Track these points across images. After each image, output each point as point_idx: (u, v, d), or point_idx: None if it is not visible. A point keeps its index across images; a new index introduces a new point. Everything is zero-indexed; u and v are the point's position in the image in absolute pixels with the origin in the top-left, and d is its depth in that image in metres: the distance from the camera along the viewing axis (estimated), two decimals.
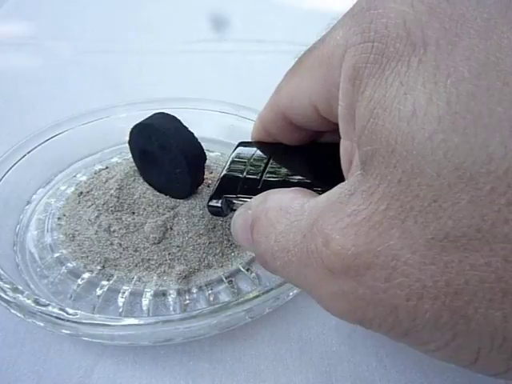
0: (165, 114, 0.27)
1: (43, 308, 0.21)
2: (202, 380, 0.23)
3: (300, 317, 0.25)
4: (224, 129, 0.34)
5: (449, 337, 0.12)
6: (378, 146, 0.13)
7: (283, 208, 0.17)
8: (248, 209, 0.19)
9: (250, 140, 0.24)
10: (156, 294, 0.25)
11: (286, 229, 0.16)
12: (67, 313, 0.20)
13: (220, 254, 0.27)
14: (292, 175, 0.21)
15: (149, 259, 0.26)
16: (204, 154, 0.27)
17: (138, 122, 0.27)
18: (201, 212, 0.27)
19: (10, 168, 0.30)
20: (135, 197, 0.28)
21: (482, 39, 0.12)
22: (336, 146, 0.17)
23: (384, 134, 0.12)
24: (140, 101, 0.35)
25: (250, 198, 0.19)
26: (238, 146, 0.25)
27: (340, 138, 0.16)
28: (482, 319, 0.12)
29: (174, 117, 0.27)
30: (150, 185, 0.29)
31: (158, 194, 0.28)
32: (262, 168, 0.22)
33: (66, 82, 0.48)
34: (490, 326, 0.12)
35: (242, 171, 0.23)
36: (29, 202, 0.30)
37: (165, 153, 0.26)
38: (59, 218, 0.29)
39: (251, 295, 0.21)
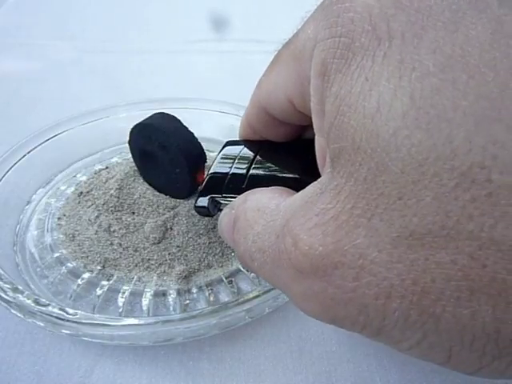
0: (165, 114, 0.27)
1: (43, 308, 0.21)
2: (202, 380, 0.23)
3: (300, 317, 0.25)
4: (224, 129, 0.34)
5: (419, 335, 0.12)
6: (345, 143, 0.12)
7: (261, 208, 0.16)
8: (232, 208, 0.19)
9: (237, 139, 0.24)
10: (156, 294, 0.25)
11: (263, 229, 0.16)
12: (67, 313, 0.20)
13: (220, 254, 0.27)
14: (279, 171, 0.21)
15: (149, 259, 0.26)
16: (204, 154, 0.27)
17: (138, 122, 0.27)
18: None
19: (10, 168, 0.30)
20: (135, 197, 0.28)
21: (449, 31, 0.11)
22: None
23: (350, 131, 0.12)
24: (140, 101, 0.35)
25: (235, 197, 0.19)
26: (225, 145, 0.24)
27: None
28: (450, 317, 0.11)
29: (173, 117, 0.27)
30: (149, 185, 0.29)
31: (157, 194, 0.28)
32: (247, 165, 0.22)
33: (66, 82, 0.48)
34: (459, 325, 0.11)
35: (228, 169, 0.22)
36: (29, 202, 0.30)
37: (165, 153, 0.26)
38: (59, 218, 0.29)
39: (251, 295, 0.21)
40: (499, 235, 0.10)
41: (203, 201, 0.22)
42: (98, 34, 0.58)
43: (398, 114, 0.11)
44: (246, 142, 0.23)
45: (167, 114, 0.27)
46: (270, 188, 0.18)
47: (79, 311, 0.21)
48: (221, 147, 0.24)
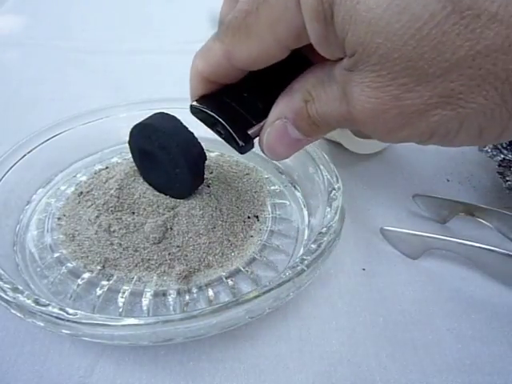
0: (165, 114, 0.27)
1: (43, 308, 0.21)
2: (202, 380, 0.23)
3: (300, 317, 0.25)
4: None
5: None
6: (364, 42, 0.16)
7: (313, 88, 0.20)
8: (281, 117, 0.21)
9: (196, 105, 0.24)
10: (156, 294, 0.25)
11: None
12: (67, 313, 0.20)
13: (220, 254, 0.27)
14: (260, 89, 0.23)
15: (149, 259, 0.26)
16: (204, 154, 0.27)
17: (138, 122, 0.27)
18: (201, 212, 0.27)
19: (10, 168, 0.30)
20: (135, 197, 0.28)
21: None
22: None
23: (363, 35, 0.16)
24: (140, 101, 0.35)
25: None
26: (194, 113, 0.24)
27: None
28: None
29: (173, 117, 0.27)
30: (149, 185, 0.29)
31: (157, 194, 0.28)
32: (238, 98, 0.23)
33: (66, 82, 0.48)
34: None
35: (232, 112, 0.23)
36: (29, 202, 0.30)
37: (165, 153, 0.26)
38: (59, 218, 0.29)
39: (251, 295, 0.21)
40: None
41: (245, 141, 0.22)
42: (97, 34, 0.58)
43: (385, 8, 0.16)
44: (206, 98, 0.23)
45: (167, 114, 0.27)
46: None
47: (79, 311, 0.21)
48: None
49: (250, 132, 0.22)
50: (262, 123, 0.22)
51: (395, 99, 0.17)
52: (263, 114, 0.22)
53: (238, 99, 0.23)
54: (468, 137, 0.18)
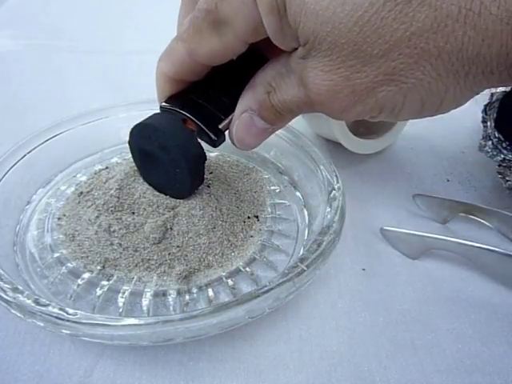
0: (165, 114, 0.27)
1: (43, 308, 0.21)
2: (202, 380, 0.23)
3: (300, 317, 0.25)
4: None
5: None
6: (316, 32, 0.18)
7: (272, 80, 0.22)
8: (247, 110, 0.23)
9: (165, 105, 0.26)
10: (156, 294, 0.25)
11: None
12: (67, 313, 0.20)
13: (220, 254, 0.27)
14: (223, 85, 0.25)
15: (149, 259, 0.26)
16: (204, 154, 0.27)
17: (137, 122, 0.27)
18: (201, 212, 0.27)
19: (10, 168, 0.30)
20: (135, 197, 0.28)
21: None
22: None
23: (312, 26, 0.18)
24: (140, 101, 0.35)
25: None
26: (163, 112, 0.26)
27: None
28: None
29: (174, 117, 0.27)
30: (149, 185, 0.29)
31: (157, 194, 0.28)
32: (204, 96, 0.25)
33: (66, 82, 0.48)
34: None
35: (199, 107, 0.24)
36: (29, 202, 0.30)
37: (165, 153, 0.26)
38: (59, 218, 0.29)
39: (251, 295, 0.21)
40: None
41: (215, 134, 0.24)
42: (97, 34, 0.58)
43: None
44: (174, 98, 0.25)
45: (167, 114, 0.27)
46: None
47: (79, 311, 0.21)
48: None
49: (220, 126, 0.24)
50: (230, 117, 0.24)
51: (346, 80, 0.19)
52: (230, 108, 0.24)
53: (205, 96, 0.25)
54: (412, 110, 0.20)
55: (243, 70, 0.24)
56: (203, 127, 0.24)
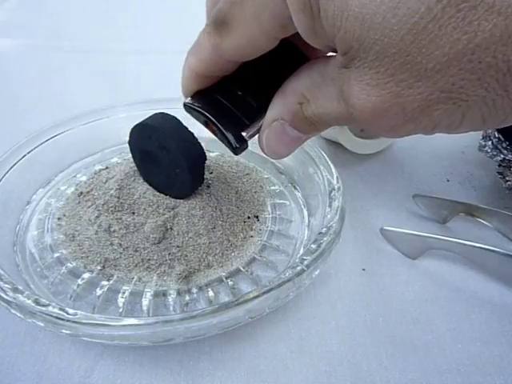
0: (165, 114, 0.27)
1: (43, 308, 0.21)
2: (202, 380, 0.23)
3: (300, 317, 0.25)
4: None
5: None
6: (359, 37, 0.16)
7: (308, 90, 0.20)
8: (277, 119, 0.21)
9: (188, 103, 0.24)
10: (156, 294, 0.25)
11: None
12: (67, 313, 0.20)
13: (220, 254, 0.27)
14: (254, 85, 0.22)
15: (149, 259, 0.26)
16: (204, 154, 0.27)
17: (137, 122, 0.27)
18: (201, 212, 0.27)
19: (10, 168, 0.30)
20: (135, 197, 0.28)
21: None
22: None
23: (357, 30, 0.16)
24: (140, 101, 0.35)
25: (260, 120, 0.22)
26: (189, 111, 0.24)
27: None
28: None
29: (173, 117, 0.27)
30: (150, 185, 0.29)
31: (157, 194, 0.28)
32: (233, 98, 0.22)
33: (66, 82, 0.48)
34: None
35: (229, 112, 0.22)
36: (29, 202, 0.30)
37: (165, 153, 0.26)
38: (59, 218, 0.29)
39: (251, 295, 0.21)
40: None
41: (241, 142, 0.22)
42: (97, 34, 0.58)
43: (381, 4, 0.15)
44: (199, 95, 0.23)
45: (167, 114, 0.27)
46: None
47: (79, 311, 0.21)
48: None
49: (244, 133, 0.22)
50: (256, 124, 0.22)
51: (396, 96, 0.17)
52: (257, 113, 0.22)
53: (232, 98, 0.23)
54: (471, 126, 0.17)
55: (278, 68, 0.21)
56: (225, 132, 0.22)
